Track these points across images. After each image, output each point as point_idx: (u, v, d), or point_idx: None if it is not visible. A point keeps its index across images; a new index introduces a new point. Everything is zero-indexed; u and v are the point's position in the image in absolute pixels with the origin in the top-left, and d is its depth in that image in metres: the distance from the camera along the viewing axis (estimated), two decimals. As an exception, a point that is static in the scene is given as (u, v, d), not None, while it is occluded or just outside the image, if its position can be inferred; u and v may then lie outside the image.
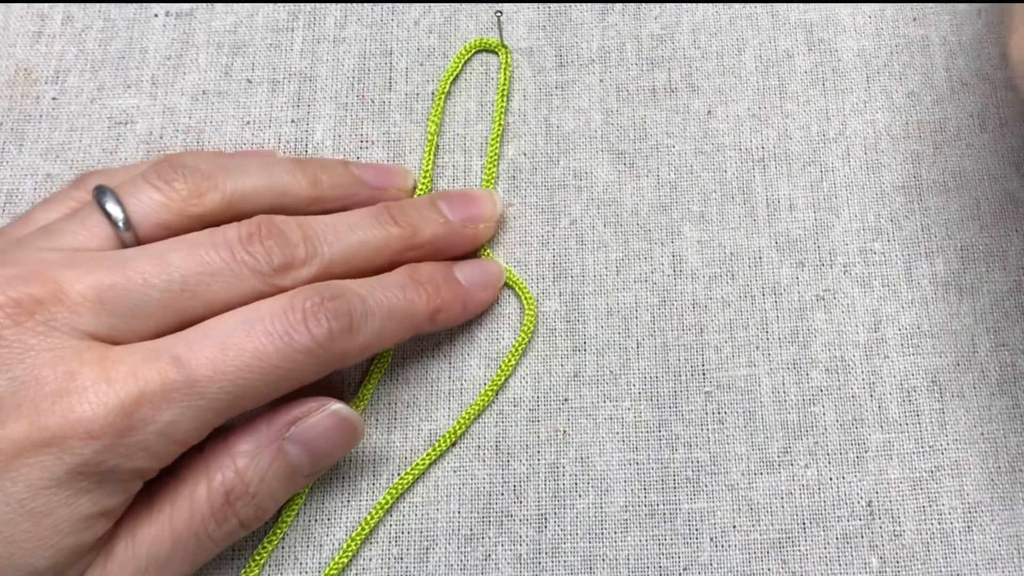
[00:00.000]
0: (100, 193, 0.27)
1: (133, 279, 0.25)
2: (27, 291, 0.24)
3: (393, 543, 0.29)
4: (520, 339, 0.31)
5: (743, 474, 0.30)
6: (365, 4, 0.35)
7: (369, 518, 0.29)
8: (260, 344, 0.25)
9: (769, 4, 0.35)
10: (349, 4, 0.35)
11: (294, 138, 0.33)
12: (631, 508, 0.29)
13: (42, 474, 0.23)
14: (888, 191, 0.32)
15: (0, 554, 0.23)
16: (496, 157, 0.33)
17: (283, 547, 0.29)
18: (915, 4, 0.35)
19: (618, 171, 0.33)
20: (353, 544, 0.29)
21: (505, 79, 0.33)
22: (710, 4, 0.35)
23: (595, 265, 0.32)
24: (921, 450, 0.30)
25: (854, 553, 0.29)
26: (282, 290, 0.26)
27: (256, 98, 0.34)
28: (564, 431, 0.30)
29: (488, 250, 0.32)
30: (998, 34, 0.34)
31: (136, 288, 0.25)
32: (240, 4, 0.35)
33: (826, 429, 0.30)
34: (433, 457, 0.30)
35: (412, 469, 0.29)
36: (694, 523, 0.29)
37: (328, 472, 0.29)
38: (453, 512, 0.29)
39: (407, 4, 0.35)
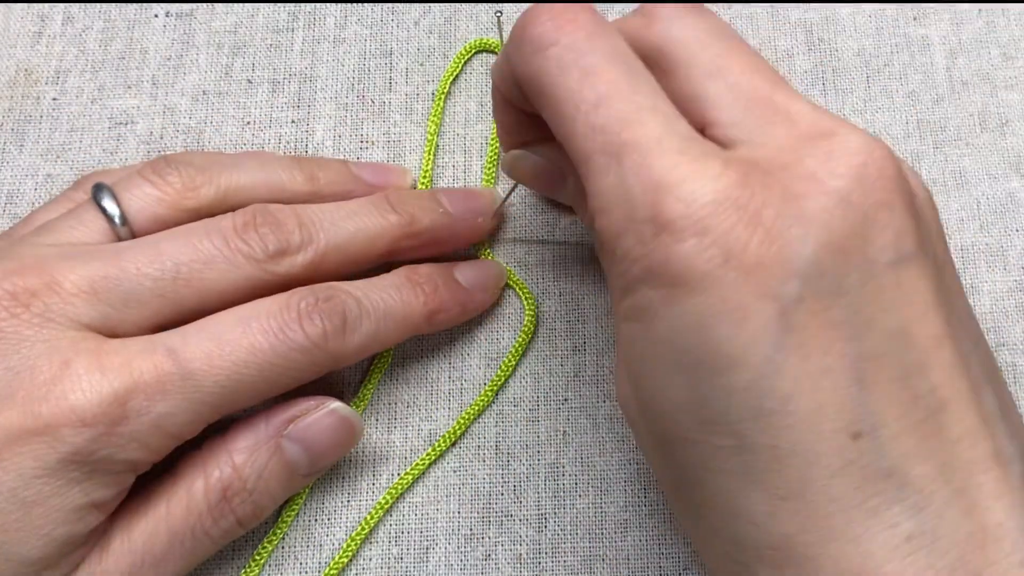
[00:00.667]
0: (97, 190, 0.27)
1: (127, 269, 0.25)
2: (22, 283, 0.24)
3: (393, 543, 0.29)
4: (520, 339, 0.31)
5: (743, 474, 0.29)
6: (365, 4, 0.35)
7: (369, 518, 0.29)
8: (255, 340, 0.25)
9: (769, 4, 0.35)
10: (349, 4, 0.35)
11: (294, 138, 0.33)
12: (631, 508, 0.29)
13: (34, 463, 0.23)
14: (888, 191, 0.32)
15: None
16: (496, 157, 0.33)
17: (283, 547, 0.29)
18: (915, 4, 0.35)
19: (618, 171, 0.33)
20: (353, 544, 0.29)
21: (505, 79, 0.33)
22: (710, 4, 0.35)
23: (595, 265, 0.32)
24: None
25: (854, 553, 0.29)
26: (278, 276, 0.26)
27: (256, 98, 0.34)
28: (564, 431, 0.30)
29: (488, 250, 0.32)
30: (998, 34, 0.34)
31: (130, 277, 0.25)
32: (240, 4, 0.35)
33: (826, 429, 0.30)
34: (433, 457, 0.30)
35: (412, 469, 0.29)
36: (694, 523, 0.29)
37: (328, 472, 0.29)
38: (453, 512, 0.29)
39: (407, 4, 0.35)
